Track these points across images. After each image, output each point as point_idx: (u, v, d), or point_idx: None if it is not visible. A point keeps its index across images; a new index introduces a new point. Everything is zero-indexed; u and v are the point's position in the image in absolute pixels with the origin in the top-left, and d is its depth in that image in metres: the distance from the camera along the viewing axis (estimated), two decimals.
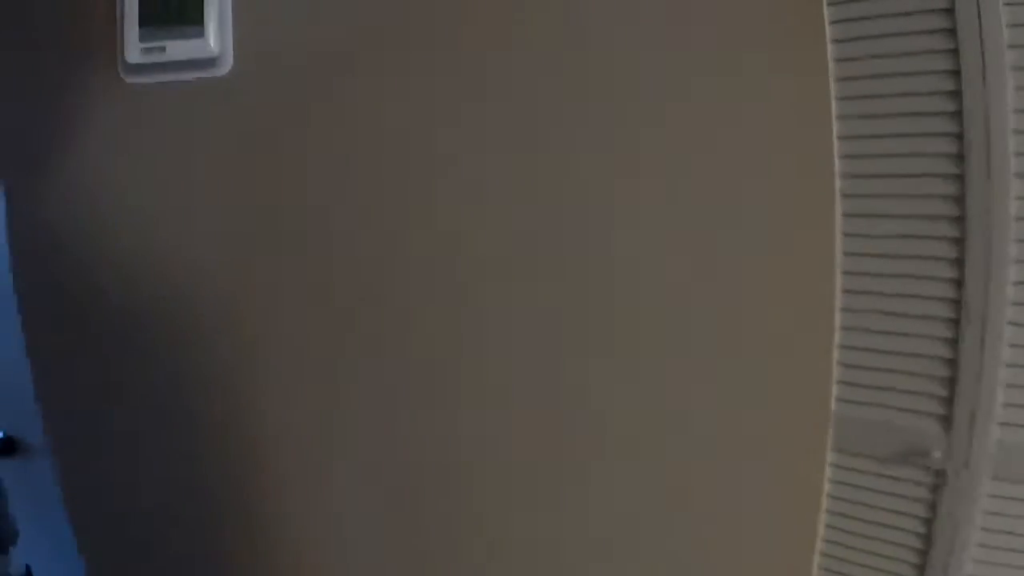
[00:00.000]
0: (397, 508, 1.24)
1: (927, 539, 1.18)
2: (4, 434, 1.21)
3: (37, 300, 1.15)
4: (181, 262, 1.17)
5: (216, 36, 1.05)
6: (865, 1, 1.08)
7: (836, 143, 1.12)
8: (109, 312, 1.18)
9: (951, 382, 1.14)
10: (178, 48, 1.05)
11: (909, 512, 1.20)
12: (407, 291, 1.18)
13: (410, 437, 1.23)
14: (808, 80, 1.09)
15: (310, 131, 1.13)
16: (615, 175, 1.14)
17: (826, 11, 1.09)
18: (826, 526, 1.28)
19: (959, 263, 1.11)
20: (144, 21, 1.02)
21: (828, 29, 1.10)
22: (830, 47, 1.10)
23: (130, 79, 1.09)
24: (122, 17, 1.04)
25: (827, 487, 1.27)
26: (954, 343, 1.13)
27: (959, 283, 1.11)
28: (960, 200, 1.09)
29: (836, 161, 1.13)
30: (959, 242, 1.10)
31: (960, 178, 1.08)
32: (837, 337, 1.20)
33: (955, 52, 1.04)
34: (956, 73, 1.05)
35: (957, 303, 1.11)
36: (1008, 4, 0.99)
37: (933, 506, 1.17)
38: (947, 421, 1.15)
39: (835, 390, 1.24)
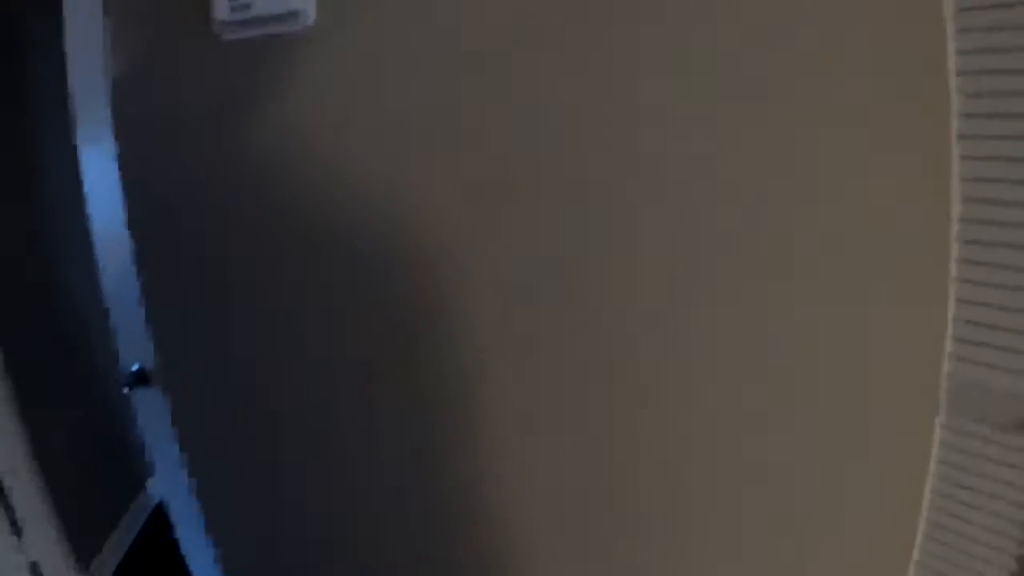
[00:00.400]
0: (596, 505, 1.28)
1: None
2: (139, 367, 1.31)
3: (153, 253, 1.22)
4: (300, 209, 1.19)
5: None
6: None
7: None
8: (227, 260, 1.23)
9: None
10: (262, 3, 1.09)
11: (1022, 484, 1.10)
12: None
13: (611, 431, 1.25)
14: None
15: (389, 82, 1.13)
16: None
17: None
18: (932, 492, 1.19)
19: None
20: None
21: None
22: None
23: (223, 36, 1.14)
24: None
25: (936, 451, 1.18)
26: None
27: None
28: None
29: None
30: None
31: None
32: (954, 289, 1.10)
33: None
34: None
35: None
36: None
37: None
38: None
39: (950, 347, 1.13)
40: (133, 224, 1.19)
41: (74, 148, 1.27)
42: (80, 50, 1.15)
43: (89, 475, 2.46)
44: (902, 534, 1.25)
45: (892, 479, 1.23)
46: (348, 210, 1.13)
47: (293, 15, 1.09)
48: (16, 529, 2.14)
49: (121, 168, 1.17)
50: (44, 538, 2.16)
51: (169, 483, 1.42)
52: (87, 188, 1.21)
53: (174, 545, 1.42)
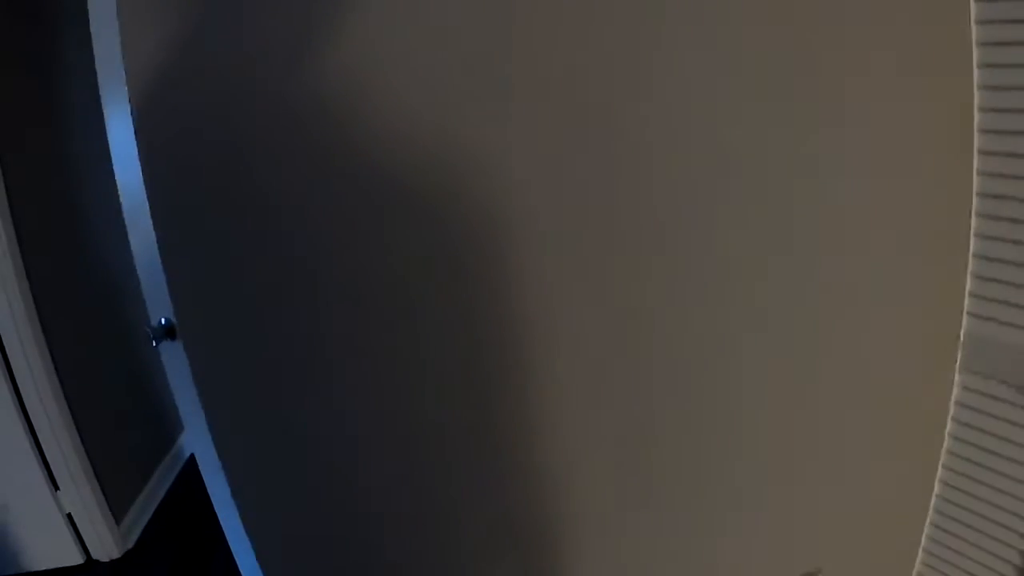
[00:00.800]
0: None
1: None
2: (167, 320, 1.32)
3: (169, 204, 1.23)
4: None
5: None
6: None
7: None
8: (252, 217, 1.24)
9: None
10: None
11: None
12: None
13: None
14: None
15: None
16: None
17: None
18: (947, 451, 1.20)
19: None
20: None
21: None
22: None
23: None
24: None
25: (952, 409, 1.18)
26: None
27: None
28: None
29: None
30: None
31: None
32: (972, 245, 1.09)
33: None
34: None
35: None
36: None
37: None
38: None
39: (968, 303, 1.13)
40: (150, 176, 1.20)
41: (100, 111, 1.29)
42: (102, 11, 1.16)
43: (122, 430, 2.54)
44: (919, 489, 1.26)
45: (909, 435, 1.23)
46: (379, 164, 1.13)
47: None
48: (53, 483, 2.22)
49: (136, 122, 1.18)
50: (79, 492, 2.24)
51: (199, 436, 1.45)
52: (112, 148, 1.23)
53: (206, 498, 1.46)
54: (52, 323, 2.13)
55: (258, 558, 1.44)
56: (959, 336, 1.14)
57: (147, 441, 2.73)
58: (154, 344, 1.33)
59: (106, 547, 2.34)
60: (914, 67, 1.03)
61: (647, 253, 1.13)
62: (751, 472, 1.27)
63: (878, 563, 1.35)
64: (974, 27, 1.01)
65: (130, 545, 2.42)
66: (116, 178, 1.23)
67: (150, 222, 1.23)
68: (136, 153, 1.18)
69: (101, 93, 1.20)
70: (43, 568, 2.33)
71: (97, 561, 2.34)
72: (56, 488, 2.23)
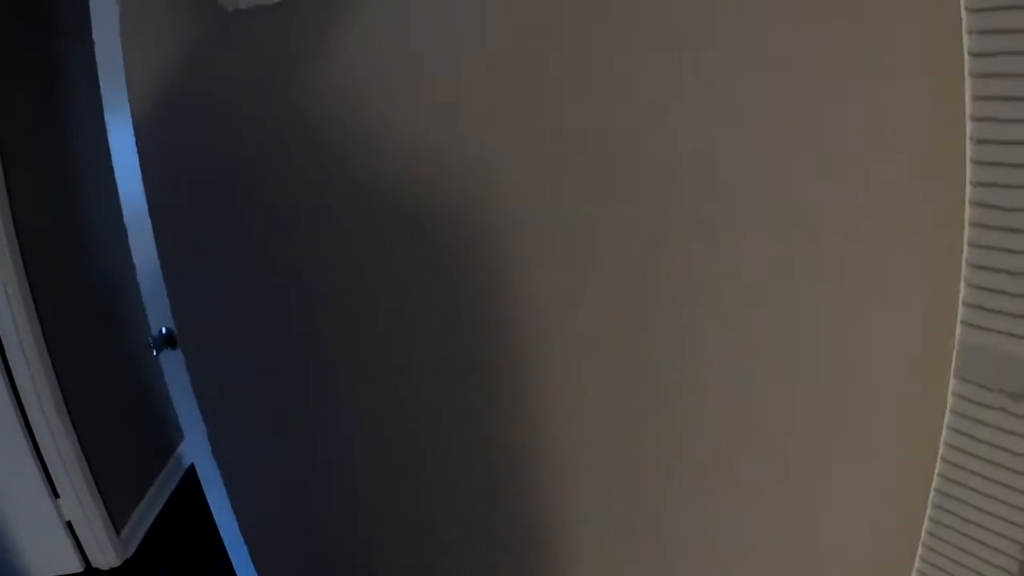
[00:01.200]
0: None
1: None
2: (167, 330, 1.33)
3: (168, 222, 1.24)
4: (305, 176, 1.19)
5: None
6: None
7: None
8: (238, 234, 1.25)
9: None
10: None
11: None
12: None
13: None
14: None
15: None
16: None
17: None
18: (942, 459, 1.20)
19: None
20: None
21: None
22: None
23: (227, 6, 1.13)
24: None
25: (947, 417, 1.18)
26: None
27: None
28: None
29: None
30: None
31: None
32: (966, 253, 1.09)
33: None
34: None
35: None
36: None
37: None
38: None
39: (963, 312, 1.13)
40: (150, 187, 1.21)
41: (103, 121, 1.30)
42: (105, 24, 1.18)
43: (123, 438, 2.54)
44: (914, 499, 1.26)
45: (903, 443, 1.23)
46: (370, 175, 1.15)
47: None
48: (53, 491, 2.22)
49: (137, 136, 1.19)
50: (80, 500, 2.25)
51: (198, 445, 1.46)
52: (114, 159, 1.24)
53: (205, 507, 1.46)
54: (53, 331, 2.14)
55: (256, 568, 1.44)
56: (953, 344, 1.15)
57: (147, 450, 2.73)
58: (155, 353, 1.34)
59: (106, 555, 2.34)
60: (907, 72, 1.04)
61: (640, 257, 1.13)
62: (744, 477, 1.27)
63: (873, 571, 1.35)
64: (965, 37, 1.02)
65: (130, 553, 2.43)
66: (118, 188, 1.25)
67: (151, 232, 1.24)
68: (137, 164, 1.20)
69: (104, 104, 1.22)
70: None
71: (97, 569, 2.35)
72: (56, 496, 2.23)
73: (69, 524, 2.27)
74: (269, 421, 1.35)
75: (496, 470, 1.30)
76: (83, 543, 2.31)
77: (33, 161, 2.15)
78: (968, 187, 1.06)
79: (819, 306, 1.16)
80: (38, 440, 2.14)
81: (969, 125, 1.05)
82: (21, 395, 2.08)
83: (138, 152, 1.19)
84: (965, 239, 1.09)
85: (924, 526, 1.28)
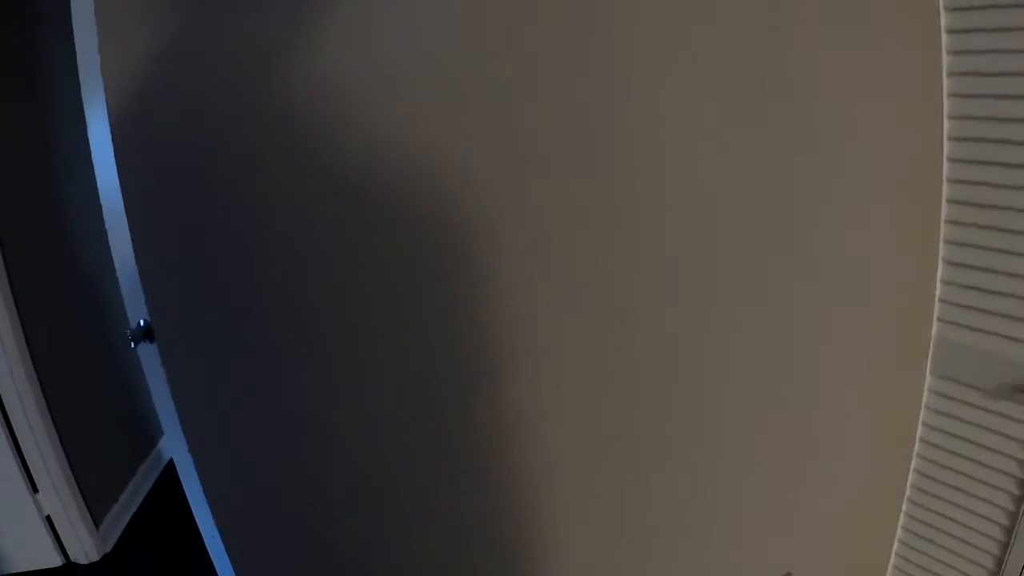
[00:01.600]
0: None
1: None
2: (145, 323, 1.32)
3: (147, 220, 1.23)
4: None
5: None
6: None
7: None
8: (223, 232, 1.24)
9: None
10: None
11: (1008, 453, 1.11)
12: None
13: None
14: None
15: None
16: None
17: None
18: (918, 455, 1.21)
19: None
20: None
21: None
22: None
23: None
24: None
25: (923, 413, 1.20)
26: None
27: None
28: None
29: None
30: None
31: None
32: (942, 251, 1.10)
33: None
34: None
35: None
36: None
37: None
38: None
39: (938, 309, 1.14)
40: (127, 181, 1.20)
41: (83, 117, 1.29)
42: (84, 16, 1.16)
43: (102, 433, 2.53)
44: (890, 493, 1.27)
45: (880, 439, 1.24)
46: (349, 172, 1.14)
47: None
48: (32, 485, 2.20)
49: (113, 130, 1.18)
50: (59, 494, 2.23)
51: (177, 440, 1.45)
52: (93, 153, 1.23)
53: (184, 503, 1.45)
54: (32, 325, 2.12)
55: (234, 562, 1.44)
56: (929, 341, 1.16)
57: (127, 444, 2.71)
58: (132, 346, 1.33)
59: (85, 550, 2.32)
60: (885, 73, 1.04)
61: (621, 256, 1.14)
62: (722, 475, 1.28)
63: (849, 567, 1.36)
64: (944, 36, 1.03)
65: (109, 548, 2.41)
66: (97, 183, 1.23)
67: (127, 226, 1.23)
68: (114, 159, 1.19)
69: (83, 98, 1.21)
70: (21, 570, 2.31)
71: (76, 564, 2.33)
72: (35, 490, 2.21)
73: (48, 519, 2.25)
74: (248, 417, 1.35)
75: (472, 468, 1.31)
76: (62, 538, 2.29)
77: (11, 156, 2.13)
78: (945, 184, 1.07)
79: (796, 303, 1.16)
80: (17, 435, 2.12)
81: (946, 123, 1.05)
82: (0, 389, 2.06)
83: (114, 146, 1.18)
84: (941, 236, 1.10)
85: (899, 521, 1.30)
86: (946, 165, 1.06)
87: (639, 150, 1.08)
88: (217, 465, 1.41)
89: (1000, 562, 1.16)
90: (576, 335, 1.18)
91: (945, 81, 1.03)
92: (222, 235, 1.22)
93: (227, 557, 1.45)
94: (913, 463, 1.23)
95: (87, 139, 1.25)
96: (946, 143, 1.05)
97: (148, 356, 1.38)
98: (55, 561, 2.30)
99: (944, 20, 1.02)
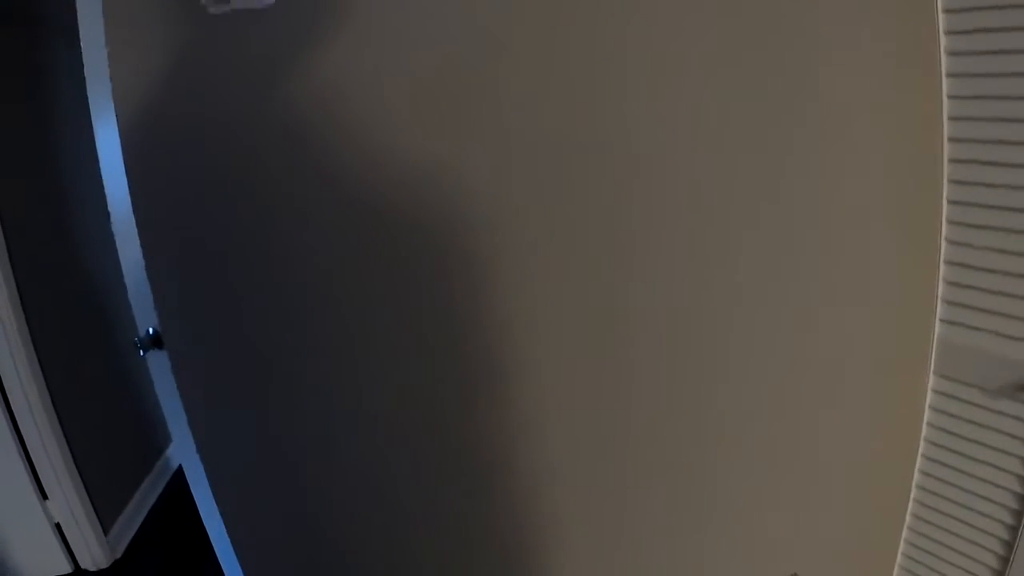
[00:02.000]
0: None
1: None
2: (154, 330, 1.32)
3: (153, 227, 1.24)
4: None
5: None
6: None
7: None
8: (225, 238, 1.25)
9: None
10: None
11: (1011, 451, 1.11)
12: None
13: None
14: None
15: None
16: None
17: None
18: (922, 455, 1.21)
19: None
20: None
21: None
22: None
23: (211, 9, 1.13)
24: None
25: (927, 414, 1.20)
26: None
27: None
28: None
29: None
30: None
31: None
32: (943, 251, 1.11)
33: None
34: None
35: None
36: None
37: None
38: None
39: (940, 309, 1.15)
40: (136, 187, 1.21)
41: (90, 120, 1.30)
42: (91, 21, 1.17)
43: (111, 440, 2.54)
44: (896, 493, 1.27)
45: (884, 439, 1.25)
46: (354, 177, 1.15)
47: None
48: (42, 492, 2.22)
49: (122, 136, 1.19)
50: (68, 501, 2.24)
51: (186, 446, 1.45)
52: (101, 159, 1.24)
53: (193, 509, 1.46)
54: (41, 333, 2.13)
55: (244, 569, 1.44)
56: (932, 341, 1.16)
57: (136, 451, 2.73)
58: (141, 354, 1.34)
59: (94, 556, 2.33)
60: (885, 74, 1.05)
61: (621, 257, 1.14)
62: (726, 476, 1.28)
63: (855, 567, 1.37)
64: (943, 37, 1.03)
65: (118, 555, 2.42)
66: (105, 191, 1.25)
67: (137, 232, 1.24)
68: (123, 165, 1.20)
69: (90, 105, 1.22)
70: None
71: (85, 571, 2.34)
72: (45, 497, 2.23)
73: (58, 525, 2.26)
74: (256, 422, 1.35)
75: (473, 469, 1.31)
76: (72, 544, 2.30)
77: (20, 162, 2.15)
78: (945, 185, 1.07)
79: (798, 305, 1.17)
80: (26, 442, 2.13)
81: (946, 124, 1.06)
82: (9, 396, 2.07)
83: (124, 152, 1.19)
84: (943, 237, 1.10)
85: (905, 520, 1.30)
86: (947, 166, 1.06)
87: (639, 151, 1.08)
88: (226, 470, 1.42)
89: (1006, 561, 1.16)
90: (577, 336, 1.19)
91: (945, 82, 1.04)
92: (229, 241, 1.24)
93: (237, 562, 1.46)
94: (917, 463, 1.23)
95: (89, 141, 1.26)
96: (946, 144, 1.06)
97: (157, 363, 1.39)
98: (65, 568, 2.32)
99: (942, 22, 1.02)
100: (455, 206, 1.14)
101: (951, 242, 1.10)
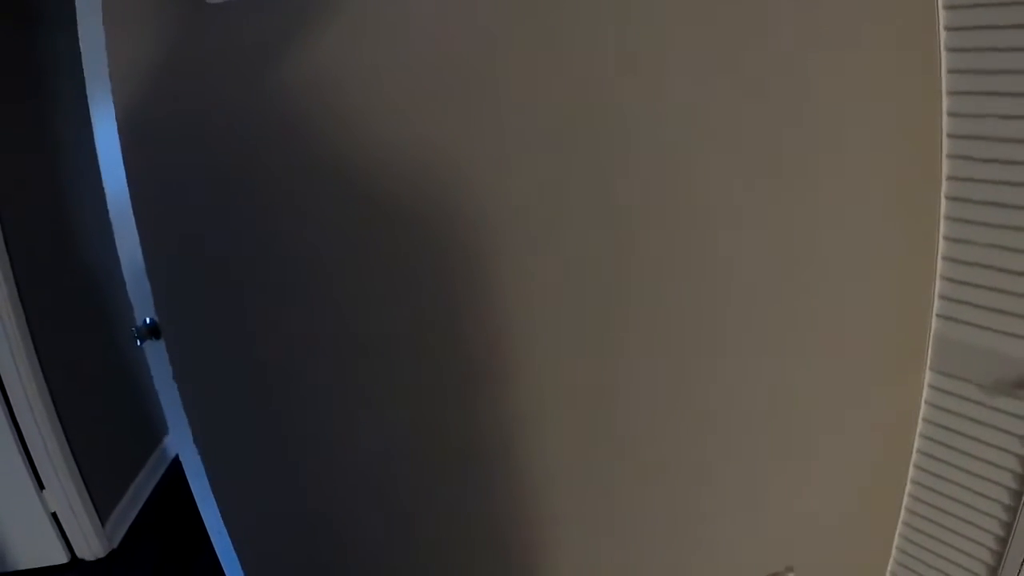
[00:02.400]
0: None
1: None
2: (151, 320, 1.32)
3: (151, 224, 1.24)
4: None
5: None
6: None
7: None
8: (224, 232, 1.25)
9: None
10: None
11: (1007, 448, 1.11)
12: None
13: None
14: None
15: None
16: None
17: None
18: (918, 451, 1.22)
19: None
20: None
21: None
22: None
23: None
24: None
25: (923, 409, 1.20)
26: None
27: None
28: None
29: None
30: None
31: None
32: (941, 248, 1.11)
33: None
34: None
35: None
36: None
37: None
38: None
39: (938, 305, 1.15)
40: (133, 179, 1.21)
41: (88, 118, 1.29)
42: (90, 15, 1.17)
43: (108, 430, 2.54)
44: (891, 489, 1.28)
45: (880, 434, 1.25)
46: (352, 170, 1.15)
47: None
48: (38, 482, 2.22)
49: (120, 128, 1.19)
50: (65, 491, 2.24)
51: (183, 437, 1.46)
52: (99, 151, 1.24)
53: (190, 499, 1.46)
54: (38, 323, 2.13)
55: (240, 559, 1.45)
56: (929, 338, 1.17)
57: (133, 441, 2.73)
58: (139, 343, 1.34)
59: (91, 546, 2.34)
60: (884, 71, 1.05)
61: (621, 257, 1.14)
62: (723, 471, 1.29)
63: (851, 560, 1.37)
64: (943, 33, 1.03)
65: (115, 544, 2.42)
66: (103, 181, 1.24)
67: (134, 223, 1.24)
68: (121, 158, 1.20)
69: (88, 98, 1.21)
70: (28, 567, 2.33)
71: (82, 560, 2.34)
72: (41, 487, 2.23)
73: (54, 515, 2.26)
74: (253, 413, 1.36)
75: (473, 469, 1.32)
76: (68, 534, 2.30)
77: (17, 153, 2.14)
78: (944, 182, 1.07)
79: (796, 300, 1.17)
80: (23, 432, 2.13)
81: (945, 120, 1.06)
82: (6, 386, 2.07)
83: (121, 144, 1.18)
84: (940, 233, 1.11)
85: (900, 515, 1.31)
86: (945, 162, 1.06)
87: (639, 151, 1.08)
88: (223, 461, 1.42)
89: (1000, 556, 1.17)
90: (577, 335, 1.19)
91: (944, 78, 1.04)
92: (227, 235, 1.23)
93: (234, 553, 1.46)
94: (913, 458, 1.24)
95: (87, 134, 1.26)
96: (945, 140, 1.06)
97: (154, 353, 1.39)
98: (61, 558, 2.32)
99: (942, 18, 1.02)
100: (454, 203, 1.14)
101: (949, 239, 1.10)
